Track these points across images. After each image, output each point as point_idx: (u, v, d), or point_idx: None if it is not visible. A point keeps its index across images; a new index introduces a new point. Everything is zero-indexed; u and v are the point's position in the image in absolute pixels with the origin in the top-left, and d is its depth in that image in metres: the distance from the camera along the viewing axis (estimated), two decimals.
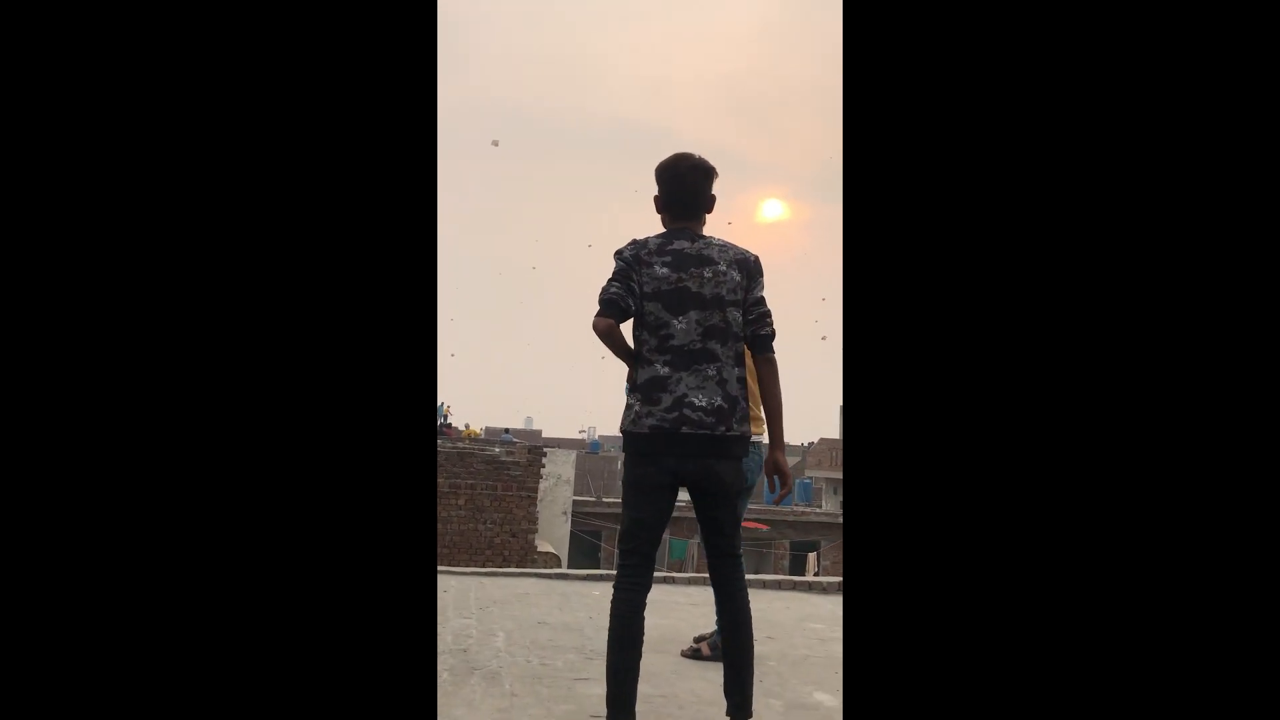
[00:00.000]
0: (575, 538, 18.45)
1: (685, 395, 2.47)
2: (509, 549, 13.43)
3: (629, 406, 2.54)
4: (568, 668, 3.82)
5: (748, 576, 2.89)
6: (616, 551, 2.45)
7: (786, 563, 23.60)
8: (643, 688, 2.68)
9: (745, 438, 2.55)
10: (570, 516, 17.53)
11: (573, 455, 17.97)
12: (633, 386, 2.56)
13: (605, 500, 23.18)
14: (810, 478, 33.85)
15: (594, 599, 5.87)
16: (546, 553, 14.25)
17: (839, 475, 32.60)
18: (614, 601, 2.50)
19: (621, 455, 3.87)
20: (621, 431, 2.55)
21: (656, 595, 6.24)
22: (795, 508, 26.31)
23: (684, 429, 2.45)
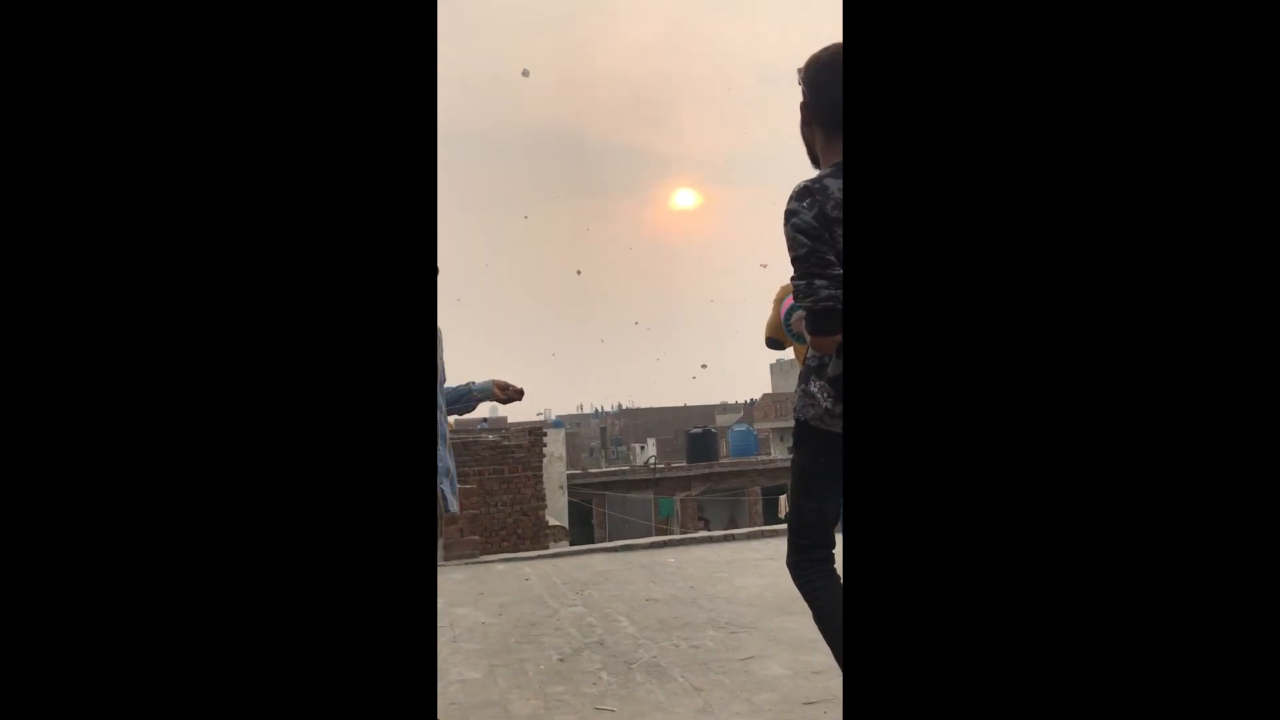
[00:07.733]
0: (572, 507, 18.26)
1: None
2: (522, 527, 12.93)
3: (813, 395, 1.94)
4: (722, 648, 3.36)
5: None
6: (796, 545, 1.99)
7: (760, 507, 23.59)
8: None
9: None
10: (566, 489, 17.57)
11: (562, 433, 17.64)
12: (819, 375, 1.94)
13: (590, 471, 23.13)
14: (756, 429, 33.84)
15: (674, 568, 5.41)
16: (557, 526, 14.11)
17: (781, 425, 32.76)
18: (821, 590, 1.99)
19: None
20: (805, 421, 1.97)
21: (736, 555, 5.99)
22: (759, 457, 26.38)
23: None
